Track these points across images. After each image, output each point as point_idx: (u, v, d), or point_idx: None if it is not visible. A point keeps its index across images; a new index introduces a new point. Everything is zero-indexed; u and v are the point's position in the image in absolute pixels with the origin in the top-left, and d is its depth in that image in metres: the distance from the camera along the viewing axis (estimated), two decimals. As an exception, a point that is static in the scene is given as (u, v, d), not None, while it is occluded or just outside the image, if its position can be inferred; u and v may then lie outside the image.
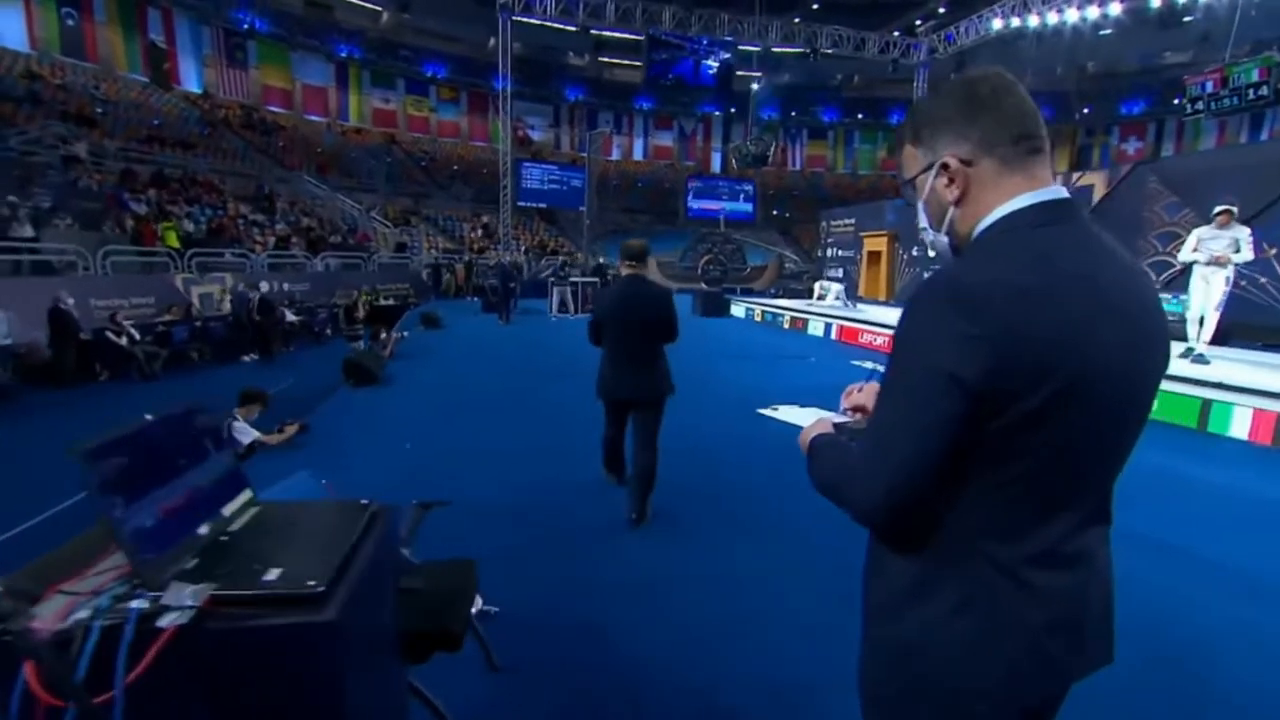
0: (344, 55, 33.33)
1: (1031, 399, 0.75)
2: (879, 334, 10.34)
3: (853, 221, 22.19)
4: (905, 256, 18.82)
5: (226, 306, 13.77)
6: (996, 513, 0.80)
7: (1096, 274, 0.79)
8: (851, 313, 12.79)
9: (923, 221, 0.97)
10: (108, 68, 25.25)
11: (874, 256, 20.22)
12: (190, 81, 27.86)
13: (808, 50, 25.88)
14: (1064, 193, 0.86)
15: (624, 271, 3.57)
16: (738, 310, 16.63)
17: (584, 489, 4.08)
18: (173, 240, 14.31)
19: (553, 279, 14.86)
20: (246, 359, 11.74)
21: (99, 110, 22.36)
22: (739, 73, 35.77)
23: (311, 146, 30.52)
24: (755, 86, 33.92)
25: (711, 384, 7.41)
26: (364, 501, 1.33)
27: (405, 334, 9.79)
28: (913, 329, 0.82)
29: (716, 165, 41.20)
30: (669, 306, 3.41)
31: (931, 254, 1.57)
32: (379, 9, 34.07)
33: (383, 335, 9.34)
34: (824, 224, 24.78)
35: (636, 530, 3.50)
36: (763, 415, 6.10)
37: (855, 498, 0.83)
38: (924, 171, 0.92)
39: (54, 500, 3.38)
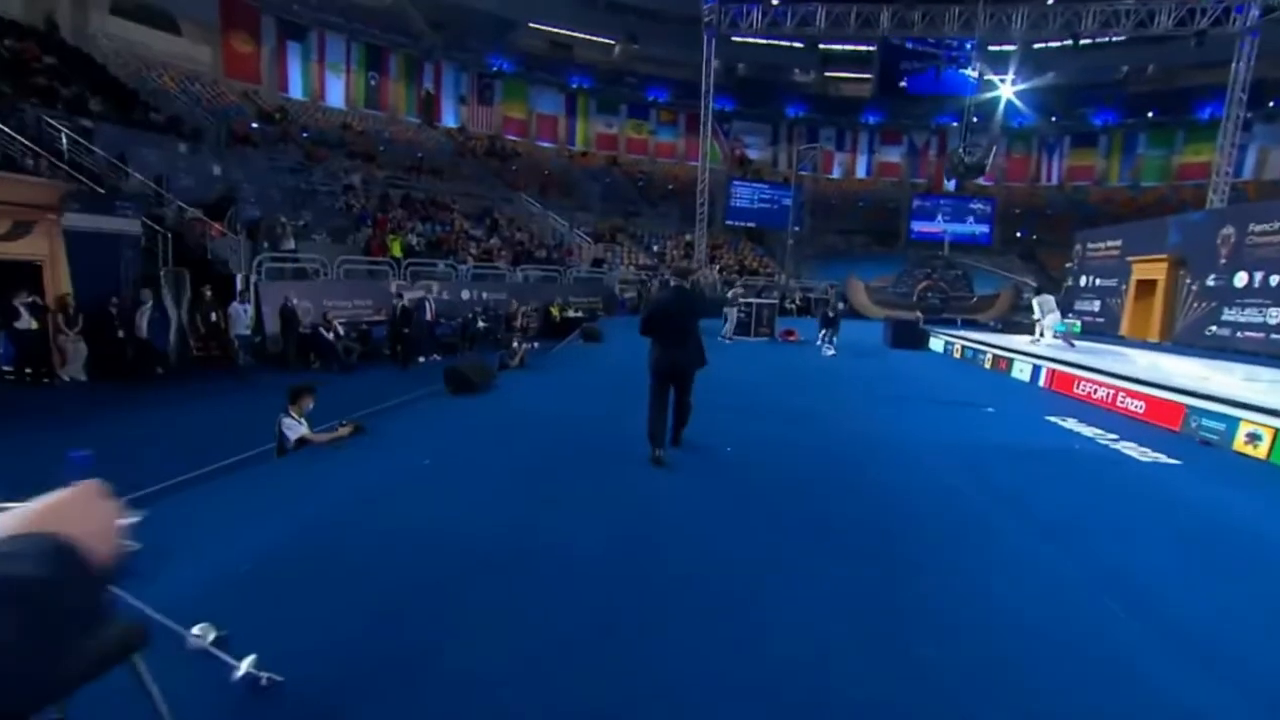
0: (575, 86, 36.40)
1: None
2: (1103, 384, 7.90)
3: (1118, 244, 18.35)
4: (1194, 287, 14.75)
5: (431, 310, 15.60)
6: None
7: None
8: (1067, 353, 10.10)
9: None
10: (393, 114, 30.74)
11: (1146, 287, 16.42)
12: (449, 118, 32.64)
13: (1068, 38, 21.64)
14: None
15: (672, 282, 5.24)
16: (936, 344, 14.35)
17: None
18: (396, 251, 16.52)
19: (728, 299, 14.25)
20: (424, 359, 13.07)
21: (381, 148, 27.22)
22: (987, 76, 31.70)
23: (540, 170, 33.70)
24: (1000, 90, 29.56)
25: (824, 428, 6.17)
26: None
27: (535, 344, 9.91)
28: None
29: (951, 185, 36.74)
30: (700, 306, 4.99)
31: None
32: (611, 42, 36.66)
33: (514, 345, 9.55)
34: (1078, 247, 20.69)
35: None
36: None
37: None
38: None
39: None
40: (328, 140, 25.55)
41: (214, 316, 10.72)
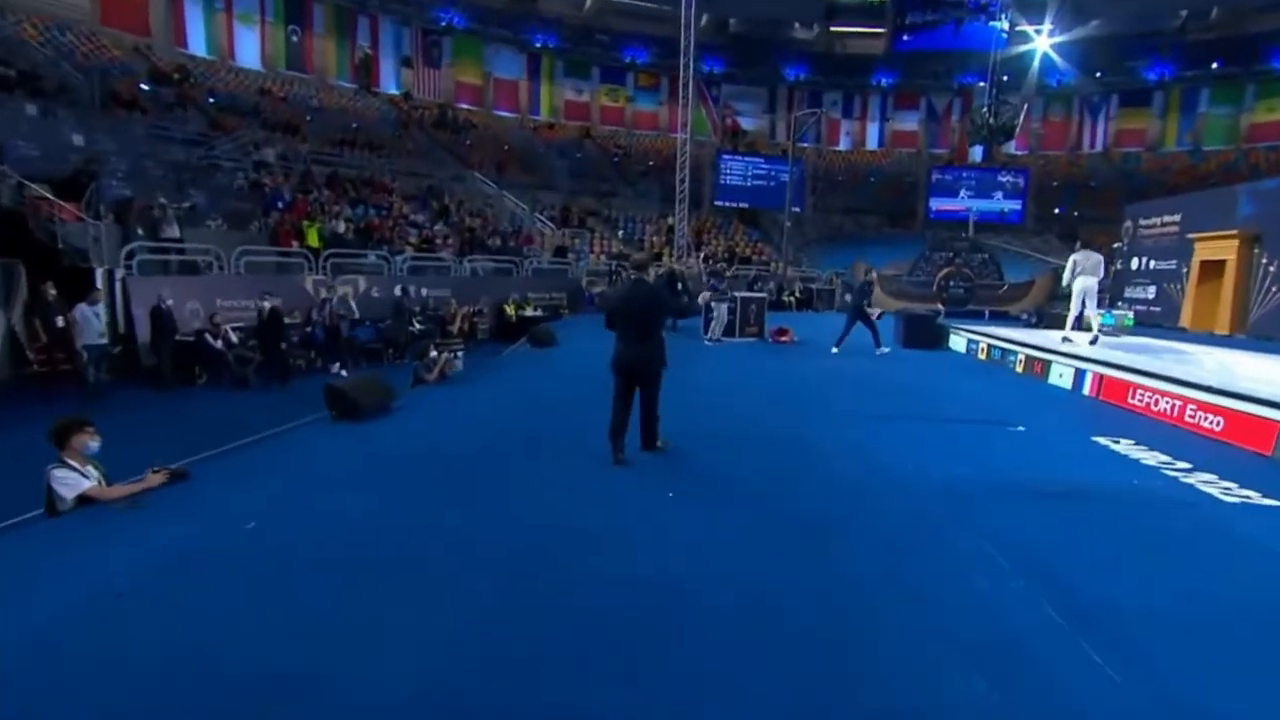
0: (539, 45, 35.68)
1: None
2: (1167, 394, 7.21)
3: (1177, 219, 18.11)
4: (1271, 268, 14.37)
5: (354, 310, 14.81)
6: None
7: None
8: (1109, 352, 9.40)
9: None
10: (322, 78, 29.84)
11: (1211, 269, 16.21)
12: (390, 83, 31.83)
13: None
14: None
15: (632, 275, 5.44)
16: (957, 343, 13.72)
17: None
18: (314, 239, 15.68)
19: (711, 294, 13.51)
20: (335, 369, 12.26)
21: (308, 118, 26.35)
22: (1019, 27, 31.25)
23: (498, 144, 32.99)
24: (1034, 42, 29.11)
25: (803, 462, 5.42)
26: None
27: (459, 354, 9.14)
28: None
29: (977, 154, 36.27)
30: (660, 297, 5.43)
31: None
32: (584, -8, 35.99)
33: (431, 354, 8.77)
34: (1127, 224, 20.29)
35: None
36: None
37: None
38: None
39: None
40: (240, 107, 24.68)
41: (61, 320, 9.83)
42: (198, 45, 27.26)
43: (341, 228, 17.21)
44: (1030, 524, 4.16)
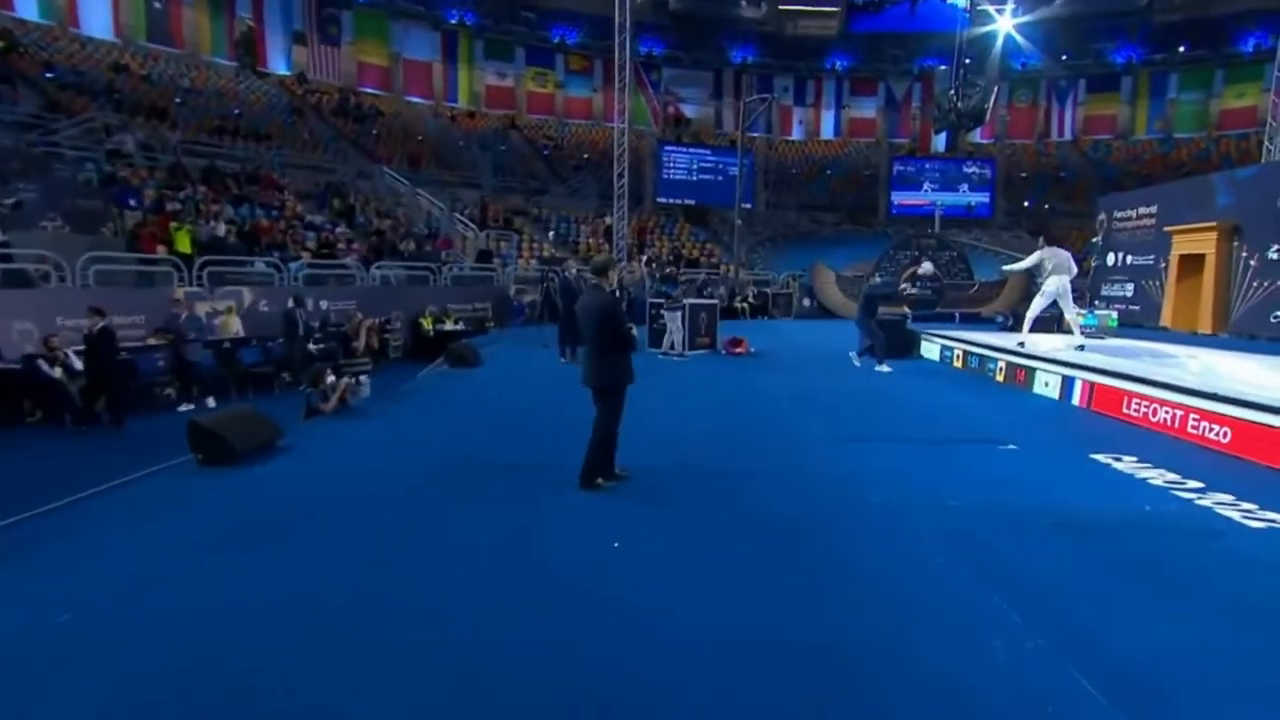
0: (454, 21, 35.21)
1: None
2: (1167, 402, 7.24)
3: (1152, 210, 18.82)
4: (1253, 262, 14.95)
5: (235, 327, 14.02)
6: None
7: None
8: (1093, 356, 9.49)
9: None
10: (194, 54, 28.61)
11: (1191, 264, 16.86)
12: (278, 63, 30.83)
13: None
14: None
15: (590, 280, 5.79)
16: (930, 350, 13.86)
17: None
18: (185, 245, 14.81)
19: (663, 302, 13.35)
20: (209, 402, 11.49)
21: (178, 100, 25.19)
22: (981, 6, 32.30)
23: (410, 134, 32.42)
24: (997, 23, 30.12)
25: (763, 493, 5.22)
26: None
27: (362, 378, 8.61)
28: None
29: (940, 143, 37.37)
30: (607, 315, 5.14)
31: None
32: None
33: (329, 379, 8.20)
34: (1101, 217, 21.05)
35: None
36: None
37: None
38: None
39: None
40: (88, 85, 23.42)
41: None
42: (28, 8, 25.48)
43: (221, 230, 16.36)
44: (1039, 564, 4.00)
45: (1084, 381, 8.83)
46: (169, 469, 5.98)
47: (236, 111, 26.69)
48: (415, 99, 35.20)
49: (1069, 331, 10.90)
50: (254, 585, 3.75)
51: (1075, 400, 8.90)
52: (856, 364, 12.26)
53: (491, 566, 4.00)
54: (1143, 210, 19.03)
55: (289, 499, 5.24)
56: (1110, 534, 4.47)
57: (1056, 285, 10.65)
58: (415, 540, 4.41)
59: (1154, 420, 7.44)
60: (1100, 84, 38.45)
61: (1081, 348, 10.36)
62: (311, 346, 14.06)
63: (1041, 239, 11.47)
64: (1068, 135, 39.25)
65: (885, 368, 11.79)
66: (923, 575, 3.89)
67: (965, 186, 33.14)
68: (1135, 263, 18.99)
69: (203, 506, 5.08)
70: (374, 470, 6.04)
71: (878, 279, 15.42)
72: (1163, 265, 17.67)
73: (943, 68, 33.76)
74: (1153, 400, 7.53)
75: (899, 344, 13.81)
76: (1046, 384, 9.62)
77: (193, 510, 5.01)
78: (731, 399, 9.49)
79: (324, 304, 15.95)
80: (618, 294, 16.78)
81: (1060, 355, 9.93)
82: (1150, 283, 18.18)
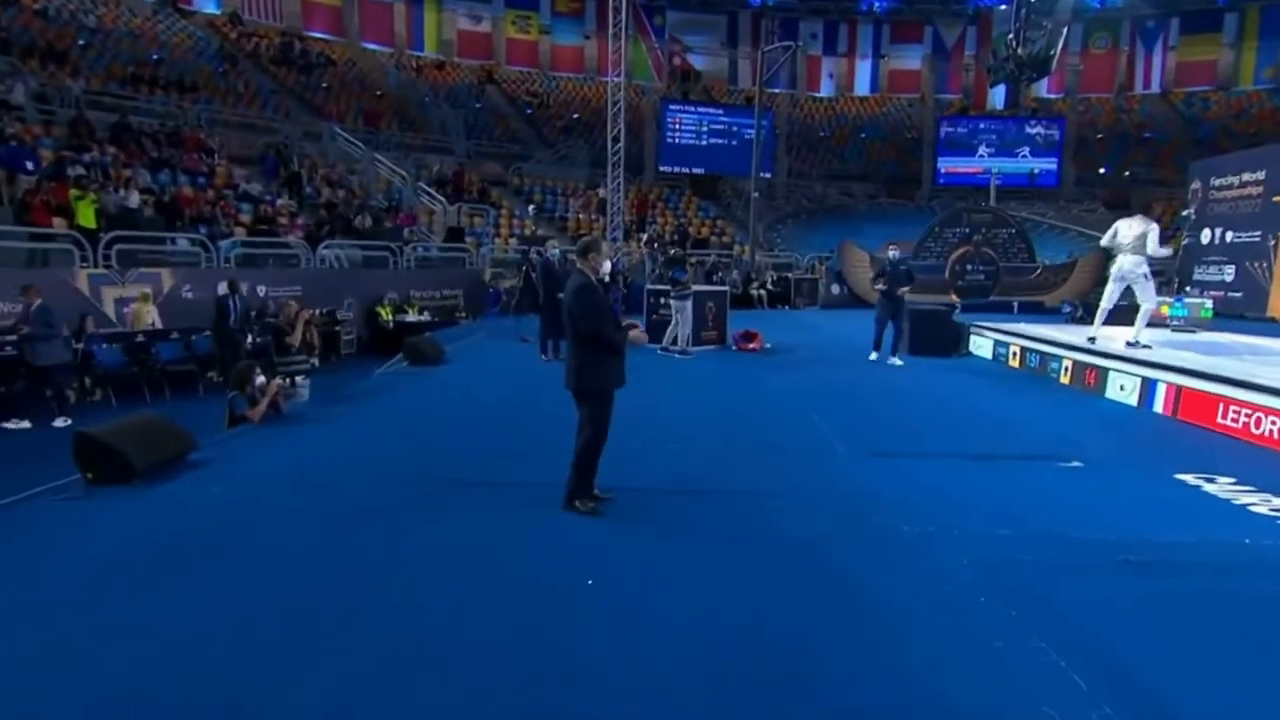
0: (419, -48, 35.34)
1: None
2: (1270, 412, 7.26)
3: (1260, 177, 18.86)
4: None
5: (149, 317, 13.92)
6: None
7: None
8: (1181, 354, 9.39)
9: None
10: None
11: None
12: (207, 1, 30.76)
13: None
14: None
15: (578, 263, 5.73)
16: (981, 347, 14.03)
17: None
18: (88, 218, 14.75)
19: (669, 289, 13.36)
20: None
21: (81, 43, 25.20)
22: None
23: (367, 88, 32.61)
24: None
25: (806, 526, 5.21)
26: None
27: (299, 380, 8.51)
28: None
29: (998, 99, 37.25)
30: (572, 305, 5.32)
31: None
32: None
33: (258, 380, 8.09)
34: (1195, 185, 21.08)
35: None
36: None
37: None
38: None
39: None
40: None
41: None
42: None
43: (134, 201, 16.35)
44: (1108, 612, 3.92)
45: (1169, 384, 8.84)
46: (51, 491, 5.84)
47: (155, 57, 26.63)
48: (373, 45, 35.25)
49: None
50: (142, 636, 3.62)
51: (1158, 407, 8.95)
52: (898, 362, 12.57)
53: (434, 614, 3.89)
54: (1247, 177, 19.06)
55: (196, 525, 5.14)
56: (1199, 574, 4.44)
57: (1117, 269, 10.58)
58: (343, 580, 4.28)
59: (1257, 432, 7.46)
60: (1197, 23, 37.88)
61: (1137, 344, 10.20)
62: (248, 341, 14.03)
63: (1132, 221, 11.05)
64: (1155, 87, 38.96)
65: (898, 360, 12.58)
66: (962, 623, 3.82)
67: (1028, 150, 33.06)
68: (1237, 240, 19.05)
69: (86, 538, 4.96)
70: (303, 491, 5.95)
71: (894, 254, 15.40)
72: (1272, 243, 17.70)
73: (1002, 7, 33.78)
74: (1256, 408, 7.55)
75: (943, 339, 13.99)
76: (1122, 387, 9.67)
77: (74, 543, 4.89)
78: (741, 403, 9.63)
79: (262, 290, 16.06)
80: (609, 279, 16.80)
81: (1140, 353, 9.85)
82: (1256, 265, 18.24)
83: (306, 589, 4.18)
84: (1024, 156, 33.02)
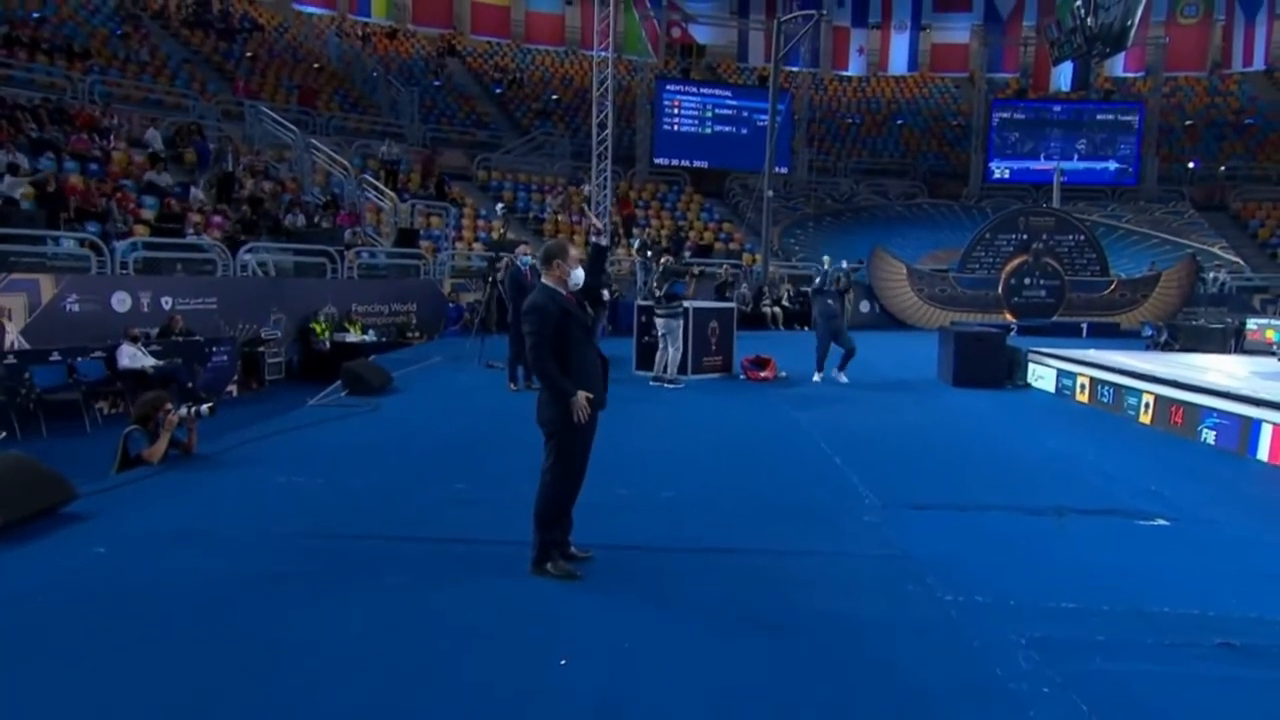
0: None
1: None
2: None
3: None
4: None
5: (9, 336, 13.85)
6: None
7: None
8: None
9: None
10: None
11: None
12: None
13: None
14: None
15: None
16: (1041, 378, 14.22)
17: None
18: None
19: (659, 307, 13.40)
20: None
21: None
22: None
23: (304, 60, 32.86)
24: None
25: (825, 599, 5.21)
26: None
27: (209, 409, 8.42)
28: None
29: (1063, 81, 37.53)
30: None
31: None
32: None
33: (181, 411, 8.14)
34: None
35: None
36: None
37: None
38: None
39: None
40: None
41: None
42: None
43: (7, 187, 16.43)
44: (1202, 710, 3.90)
45: (1277, 426, 8.83)
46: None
47: (36, 15, 26.75)
48: (309, 8, 35.76)
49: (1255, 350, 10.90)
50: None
51: (1262, 454, 8.97)
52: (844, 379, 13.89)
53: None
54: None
55: (72, 595, 5.08)
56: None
57: None
58: (229, 672, 4.16)
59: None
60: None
61: None
62: (148, 365, 13.96)
63: None
64: (1257, 64, 39.38)
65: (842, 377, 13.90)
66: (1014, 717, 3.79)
67: (1100, 142, 33.28)
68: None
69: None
70: (206, 549, 5.91)
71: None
72: None
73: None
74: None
75: (994, 367, 14.12)
76: (1219, 431, 9.69)
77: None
78: (749, 443, 9.87)
79: (167, 303, 15.98)
80: (607, 295, 16.73)
81: (1239, 387, 9.88)
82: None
83: (177, 682, 4.02)
84: (1095, 148, 33.23)
